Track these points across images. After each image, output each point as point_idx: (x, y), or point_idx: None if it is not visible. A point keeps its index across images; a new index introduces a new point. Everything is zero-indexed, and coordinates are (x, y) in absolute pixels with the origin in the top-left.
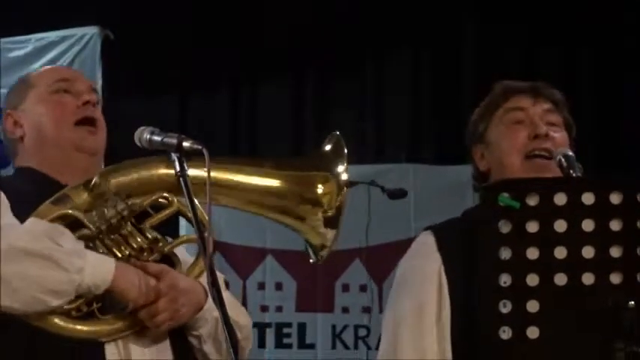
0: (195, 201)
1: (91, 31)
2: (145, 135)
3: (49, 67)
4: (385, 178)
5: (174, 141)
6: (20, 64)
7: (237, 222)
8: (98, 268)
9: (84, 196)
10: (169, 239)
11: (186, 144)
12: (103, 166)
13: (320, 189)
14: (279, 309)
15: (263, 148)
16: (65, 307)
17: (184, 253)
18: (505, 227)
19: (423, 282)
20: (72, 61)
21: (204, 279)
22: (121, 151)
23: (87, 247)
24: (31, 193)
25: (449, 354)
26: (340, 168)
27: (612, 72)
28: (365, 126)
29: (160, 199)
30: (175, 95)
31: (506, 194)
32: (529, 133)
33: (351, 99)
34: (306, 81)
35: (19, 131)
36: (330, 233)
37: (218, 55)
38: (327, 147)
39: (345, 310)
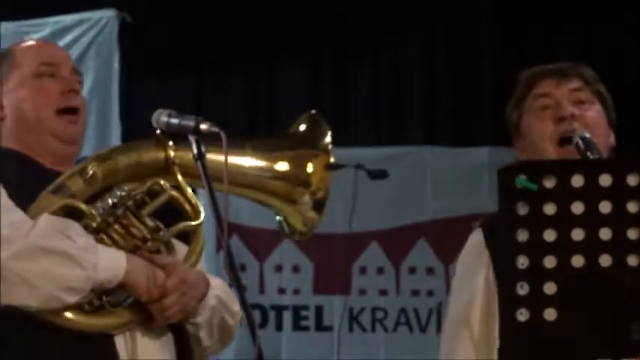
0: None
1: (108, 14)
2: (162, 118)
3: (33, 43)
4: (402, 160)
5: (191, 123)
6: None
7: (254, 204)
8: (111, 264)
9: (80, 184)
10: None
11: (203, 126)
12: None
13: (310, 168)
14: (296, 291)
15: (280, 129)
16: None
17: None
18: (522, 209)
19: (473, 278)
20: (89, 44)
21: (199, 266)
22: (138, 134)
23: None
24: (15, 174)
25: (495, 345)
26: (326, 146)
27: (630, 51)
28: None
29: (154, 186)
30: (193, 77)
31: (523, 176)
32: (554, 117)
33: (368, 80)
34: (323, 61)
35: (0, 113)
36: (315, 218)
37: (235, 37)
38: (304, 126)
39: (363, 292)
